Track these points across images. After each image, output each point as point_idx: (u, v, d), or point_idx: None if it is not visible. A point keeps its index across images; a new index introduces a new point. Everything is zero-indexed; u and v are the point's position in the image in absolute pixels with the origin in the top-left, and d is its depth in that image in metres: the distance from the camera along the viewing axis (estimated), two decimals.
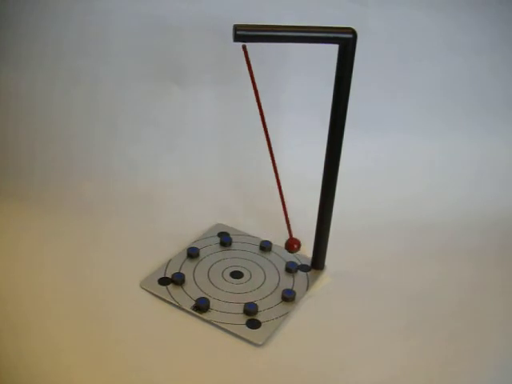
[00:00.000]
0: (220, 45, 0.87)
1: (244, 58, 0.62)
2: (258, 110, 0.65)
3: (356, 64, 0.64)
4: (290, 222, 0.89)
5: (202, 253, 0.80)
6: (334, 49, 0.63)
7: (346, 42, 0.62)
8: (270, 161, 0.67)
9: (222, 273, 0.77)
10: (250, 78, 0.63)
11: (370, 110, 0.97)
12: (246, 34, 0.60)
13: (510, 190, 0.98)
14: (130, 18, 0.88)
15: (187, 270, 0.76)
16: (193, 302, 0.70)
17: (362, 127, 0.95)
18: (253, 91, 0.64)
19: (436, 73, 0.97)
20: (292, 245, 0.74)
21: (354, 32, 0.62)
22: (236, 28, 0.59)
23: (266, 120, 0.97)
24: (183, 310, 0.70)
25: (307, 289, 0.75)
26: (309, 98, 0.96)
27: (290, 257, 0.80)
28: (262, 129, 0.65)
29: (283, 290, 0.73)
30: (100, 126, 0.94)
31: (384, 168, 0.99)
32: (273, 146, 0.98)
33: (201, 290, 0.73)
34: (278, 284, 0.75)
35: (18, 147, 0.93)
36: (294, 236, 0.73)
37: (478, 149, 1.01)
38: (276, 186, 0.71)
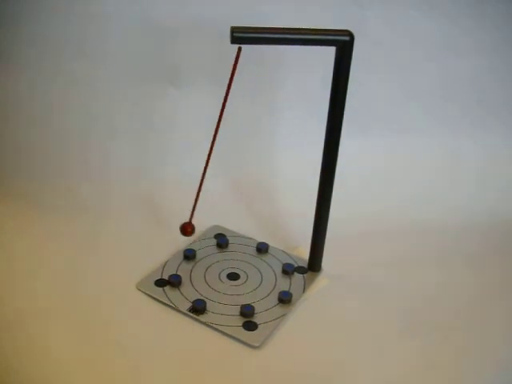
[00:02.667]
0: (217, 46, 0.87)
1: (237, 60, 0.62)
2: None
3: (355, 65, 0.64)
4: (287, 224, 0.89)
5: (198, 254, 0.80)
6: (331, 50, 0.63)
7: (343, 45, 0.62)
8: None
9: (219, 274, 0.76)
10: (230, 78, 0.63)
11: (369, 112, 0.97)
12: (243, 36, 0.60)
13: (511, 193, 0.98)
14: (127, 20, 0.88)
15: (184, 271, 0.76)
16: (189, 304, 0.70)
17: (361, 129, 0.95)
18: (231, 92, 0.64)
19: (436, 75, 0.97)
20: (186, 228, 0.74)
21: (351, 34, 0.62)
22: (233, 30, 0.59)
23: (265, 122, 0.98)
24: (180, 311, 0.70)
25: (304, 291, 0.75)
26: (306, 100, 0.96)
27: (287, 259, 0.80)
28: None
29: (280, 292, 0.73)
30: (98, 127, 0.94)
31: (382, 170, 0.99)
32: (270, 147, 0.99)
33: (197, 291, 0.73)
34: (275, 286, 0.75)
35: (16, 148, 0.93)
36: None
37: (478, 151, 1.00)
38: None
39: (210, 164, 0.70)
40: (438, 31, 0.94)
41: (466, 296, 0.76)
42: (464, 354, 0.66)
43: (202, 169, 0.71)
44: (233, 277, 0.76)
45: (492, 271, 0.81)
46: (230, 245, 0.82)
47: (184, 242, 0.81)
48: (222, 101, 0.65)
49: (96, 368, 0.61)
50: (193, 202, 0.73)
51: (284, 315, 0.70)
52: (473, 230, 0.90)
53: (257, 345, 0.65)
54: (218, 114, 0.66)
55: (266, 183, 0.97)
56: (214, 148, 0.69)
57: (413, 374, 0.64)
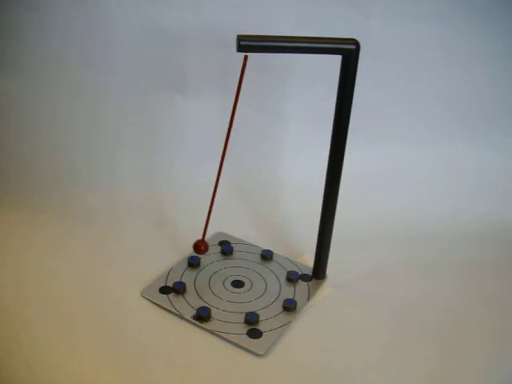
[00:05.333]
0: (223, 54, 0.87)
1: (243, 68, 0.62)
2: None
3: (358, 74, 0.64)
4: (292, 231, 0.89)
5: (202, 262, 0.80)
6: (337, 59, 0.63)
7: (349, 53, 0.62)
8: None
9: (223, 282, 0.76)
10: (238, 87, 0.63)
11: (372, 121, 0.97)
12: (249, 45, 0.60)
13: (508, 202, 0.98)
14: (133, 28, 0.88)
15: (188, 278, 0.76)
16: (194, 312, 0.70)
17: (363, 137, 0.95)
18: (239, 100, 0.64)
19: (437, 83, 0.97)
20: (199, 246, 0.74)
21: (357, 43, 0.62)
22: (239, 38, 0.59)
23: (270, 129, 0.99)
24: (184, 319, 0.70)
25: (308, 299, 0.74)
26: (311, 108, 0.96)
27: (292, 266, 0.80)
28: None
29: (284, 300, 0.72)
30: (103, 135, 0.95)
31: (385, 178, 0.99)
32: (276, 154, 1.00)
33: (202, 299, 0.73)
34: (279, 293, 0.75)
35: (22, 158, 0.93)
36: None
37: (476, 160, 1.01)
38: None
39: (214, 171, 0.70)
40: (440, 41, 0.94)
41: (467, 306, 0.76)
42: (464, 364, 0.66)
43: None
44: (237, 284, 0.76)
45: (490, 280, 0.81)
46: (234, 252, 0.82)
47: (188, 249, 0.81)
48: (228, 108, 0.65)
49: (100, 374, 0.61)
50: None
51: (288, 323, 0.70)
52: (473, 239, 0.90)
53: (261, 353, 0.65)
54: (228, 123, 0.66)
55: (271, 191, 0.97)
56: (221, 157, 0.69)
57: (416, 381, 0.64)
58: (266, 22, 0.87)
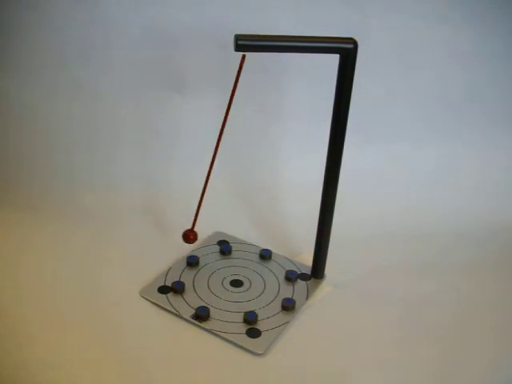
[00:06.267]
0: (222, 54, 0.87)
1: (240, 67, 0.62)
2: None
3: (357, 73, 0.64)
4: (290, 231, 0.89)
5: (201, 261, 0.80)
6: (335, 58, 0.63)
7: (347, 52, 0.62)
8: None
9: (222, 281, 0.76)
10: (234, 85, 0.64)
11: (370, 120, 0.97)
12: (247, 44, 0.60)
13: (508, 201, 0.98)
14: (132, 28, 0.88)
15: (187, 278, 0.76)
16: (193, 311, 0.70)
17: (362, 136, 0.95)
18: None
19: (437, 83, 0.97)
20: (189, 236, 0.74)
21: (355, 42, 0.62)
22: (237, 38, 0.60)
23: (268, 129, 0.99)
24: (183, 318, 0.70)
25: (307, 298, 0.74)
26: (310, 107, 0.96)
27: (290, 265, 0.80)
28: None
29: (283, 299, 0.72)
30: (102, 135, 0.95)
31: (384, 177, 0.99)
32: (274, 154, 1.00)
33: (201, 298, 0.73)
34: (278, 293, 0.75)
35: (20, 158, 0.93)
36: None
37: (477, 159, 1.01)
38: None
39: (213, 170, 0.70)
40: (439, 40, 0.94)
41: (466, 306, 0.75)
42: (463, 365, 0.66)
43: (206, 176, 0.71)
44: (236, 284, 0.76)
45: (491, 280, 0.81)
46: (233, 251, 0.82)
47: (187, 248, 0.81)
48: (225, 108, 0.66)
49: (99, 374, 0.61)
50: (194, 208, 0.73)
51: (287, 322, 0.70)
52: (473, 239, 0.90)
53: (260, 352, 0.65)
54: (222, 121, 0.66)
55: (270, 190, 0.98)
56: (217, 155, 0.69)
57: (417, 381, 0.64)
58: (265, 22, 0.87)
